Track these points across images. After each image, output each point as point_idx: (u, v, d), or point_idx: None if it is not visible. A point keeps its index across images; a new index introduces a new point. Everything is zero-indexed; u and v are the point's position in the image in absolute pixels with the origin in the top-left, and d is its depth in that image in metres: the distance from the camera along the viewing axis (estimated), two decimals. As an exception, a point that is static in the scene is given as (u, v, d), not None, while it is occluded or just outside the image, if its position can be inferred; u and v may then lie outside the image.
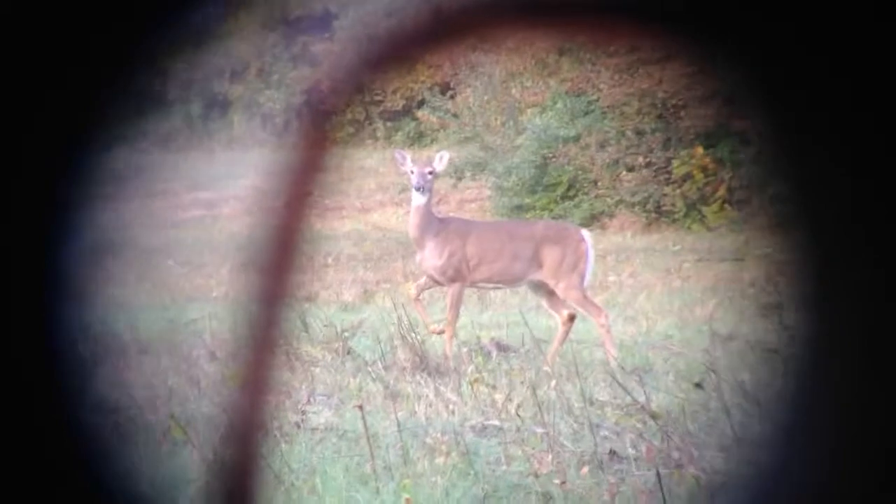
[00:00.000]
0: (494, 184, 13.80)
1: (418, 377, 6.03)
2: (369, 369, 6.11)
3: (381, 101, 17.61)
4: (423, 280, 7.11)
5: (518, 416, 5.05)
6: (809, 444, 2.05)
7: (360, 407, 4.67)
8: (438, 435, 4.83)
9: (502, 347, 6.79)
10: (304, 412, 5.25)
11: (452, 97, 15.65)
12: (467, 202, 14.32)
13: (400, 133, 17.72)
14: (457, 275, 6.95)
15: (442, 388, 5.73)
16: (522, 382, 5.71)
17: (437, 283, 7.09)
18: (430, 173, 7.01)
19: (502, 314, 8.01)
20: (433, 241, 6.96)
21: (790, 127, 2.05)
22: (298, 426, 5.05)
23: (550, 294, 6.96)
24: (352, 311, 8.20)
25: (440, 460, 4.55)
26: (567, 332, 6.80)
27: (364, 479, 4.34)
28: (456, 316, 6.90)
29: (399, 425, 4.81)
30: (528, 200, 13.25)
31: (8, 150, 2.13)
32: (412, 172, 7.00)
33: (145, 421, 5.01)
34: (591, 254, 7.03)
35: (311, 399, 5.53)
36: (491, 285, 7.20)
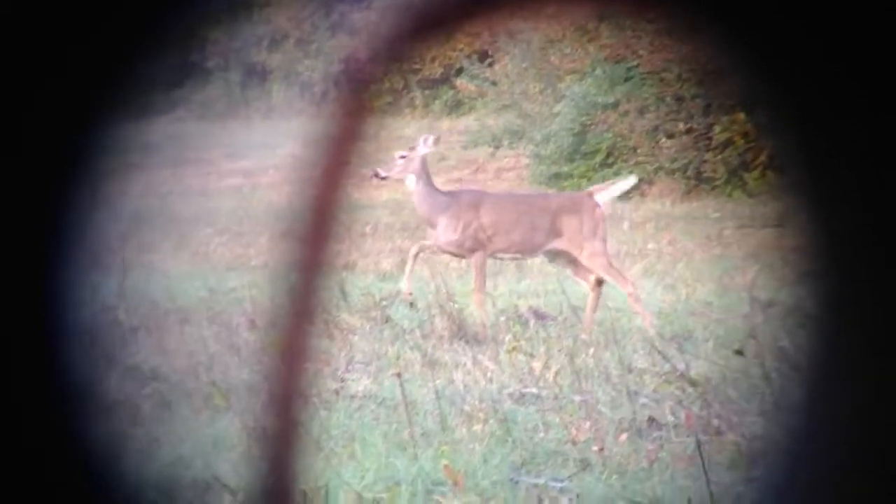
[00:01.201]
0: (532, 152, 13.72)
1: (456, 345, 6.04)
2: (407, 337, 6.13)
3: (419, 70, 17.54)
4: (428, 243, 7.11)
5: (556, 383, 5.05)
6: (846, 410, 2.02)
7: (399, 375, 4.69)
8: (476, 402, 4.84)
9: (540, 315, 6.77)
10: (342, 380, 5.29)
11: (490, 65, 15.55)
12: (505, 171, 14.26)
13: (438, 101, 17.65)
14: (476, 244, 6.93)
15: (480, 356, 5.73)
16: (560, 350, 5.70)
17: (458, 256, 7.11)
18: (402, 157, 7.05)
19: (540, 282, 7.99)
20: (445, 217, 6.97)
21: (799, 115, 2.03)
22: (337, 393, 5.09)
23: (574, 262, 6.93)
24: (389, 280, 8.21)
25: (478, 427, 4.56)
26: (598, 298, 6.76)
27: (402, 446, 4.36)
28: (483, 282, 6.90)
29: (437, 393, 4.83)
30: (566, 168, 13.16)
31: (37, 117, 2.14)
32: (401, 158, 7.08)
33: (186, 388, 5.07)
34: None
35: (350, 367, 5.56)
36: (509, 255, 7.18)
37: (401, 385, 4.59)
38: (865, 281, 2.01)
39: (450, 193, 7.24)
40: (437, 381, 5.06)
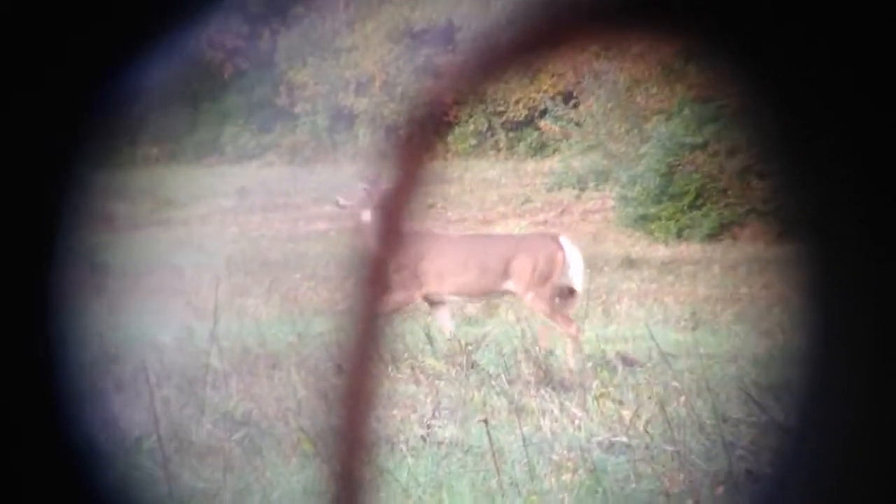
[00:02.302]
0: (619, 194, 13.60)
1: (543, 391, 5.97)
2: (493, 383, 6.08)
3: (503, 112, 17.59)
4: None
5: (647, 432, 4.94)
6: None
7: (486, 421, 4.65)
8: (564, 451, 4.77)
9: (628, 361, 6.67)
10: (429, 426, 5.26)
11: (575, 106, 15.51)
12: (591, 213, 14.17)
13: (522, 143, 17.67)
14: (411, 285, 7.01)
15: (567, 403, 5.65)
16: (650, 398, 5.58)
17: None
18: (365, 189, 7.25)
19: (628, 327, 7.88)
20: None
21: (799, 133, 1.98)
22: (424, 440, 5.07)
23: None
24: (475, 325, 8.18)
25: (567, 477, 4.49)
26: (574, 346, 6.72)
27: (490, 495, 4.32)
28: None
29: (524, 440, 4.77)
30: (653, 210, 13.02)
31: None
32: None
33: (276, 434, 5.10)
34: (576, 260, 6.94)
35: (436, 413, 5.53)
36: (459, 298, 7.20)
37: (487, 432, 4.55)
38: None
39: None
40: (524, 428, 5.00)
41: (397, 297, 6.99)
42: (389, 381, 5.92)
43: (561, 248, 6.97)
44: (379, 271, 2.06)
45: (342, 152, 17.42)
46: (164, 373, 5.75)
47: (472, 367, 6.47)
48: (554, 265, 6.89)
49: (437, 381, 6.18)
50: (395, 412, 5.42)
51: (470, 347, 6.70)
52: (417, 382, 6.07)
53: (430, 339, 6.72)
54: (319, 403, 5.50)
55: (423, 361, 6.38)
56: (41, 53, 1.94)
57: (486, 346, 6.91)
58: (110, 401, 5.35)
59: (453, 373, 6.38)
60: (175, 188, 10.91)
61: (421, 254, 7.07)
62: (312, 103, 17.16)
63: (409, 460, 4.78)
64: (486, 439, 4.57)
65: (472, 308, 9.05)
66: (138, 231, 10.58)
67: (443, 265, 7.03)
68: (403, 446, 4.94)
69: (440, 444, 5.05)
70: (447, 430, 5.28)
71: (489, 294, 7.10)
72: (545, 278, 6.88)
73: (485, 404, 5.73)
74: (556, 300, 6.93)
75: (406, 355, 6.45)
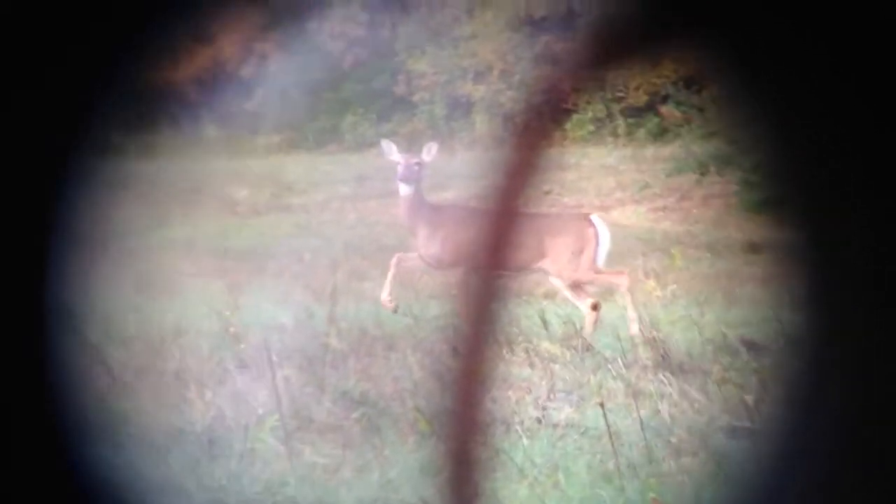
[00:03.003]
0: (741, 178, 13.28)
1: (661, 375, 5.89)
2: (609, 367, 6.03)
3: (622, 98, 17.35)
4: (410, 255, 7.22)
5: (771, 417, 4.81)
6: None
7: (602, 404, 4.63)
8: (684, 434, 4.70)
9: (751, 345, 6.51)
10: (544, 408, 5.26)
11: (698, 91, 15.20)
12: (712, 197, 13.88)
13: (642, 129, 17.41)
14: (456, 260, 7.00)
15: (686, 387, 5.56)
16: (775, 382, 5.44)
17: (436, 269, 7.23)
18: (417, 164, 7.21)
19: (751, 310, 7.70)
20: (426, 228, 7.08)
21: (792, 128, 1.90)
22: (539, 422, 5.07)
23: (575, 286, 7.01)
24: (592, 309, 8.11)
25: (687, 460, 4.43)
26: (594, 322, 6.79)
27: (608, 477, 4.29)
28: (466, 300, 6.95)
29: (642, 423, 4.72)
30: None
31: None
32: (399, 163, 7.23)
33: (393, 413, 5.18)
34: (605, 239, 6.99)
35: (552, 395, 5.52)
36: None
37: (604, 415, 4.52)
38: None
39: (436, 206, 7.36)
40: (642, 412, 4.95)
41: (458, 274, 7.12)
42: (504, 363, 5.93)
43: (592, 224, 7.01)
44: (492, 253, 2.07)
45: (459, 140, 17.51)
46: (285, 353, 5.88)
47: (588, 350, 6.43)
48: (586, 242, 6.93)
49: (552, 364, 6.16)
50: (509, 394, 5.43)
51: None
52: (532, 365, 6.06)
53: (544, 323, 6.70)
54: (435, 384, 5.55)
55: (538, 344, 6.37)
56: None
57: (602, 329, 6.86)
58: (235, 379, 5.51)
59: (568, 356, 6.35)
60: (295, 175, 11.15)
61: (460, 227, 7.16)
62: (430, 92, 17.27)
63: (525, 441, 4.78)
64: (602, 422, 4.54)
65: (588, 292, 8.98)
66: (260, 217, 10.85)
67: (479, 239, 7.10)
68: (519, 427, 4.95)
69: (555, 426, 5.05)
70: (562, 413, 5.27)
71: (522, 270, 7.16)
72: (579, 255, 6.92)
73: (601, 387, 5.69)
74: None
75: (521, 338, 6.44)
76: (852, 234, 1.86)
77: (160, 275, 8.19)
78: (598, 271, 6.99)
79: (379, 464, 4.74)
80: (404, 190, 7.29)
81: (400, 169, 7.30)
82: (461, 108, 18.11)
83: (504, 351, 6.12)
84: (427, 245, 7.22)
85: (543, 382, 5.72)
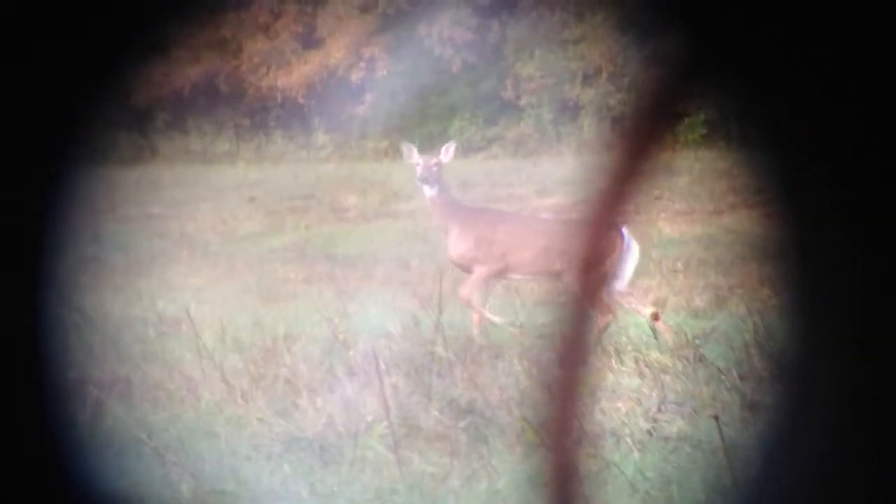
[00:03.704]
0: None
1: (779, 388, 5.70)
2: (723, 378, 5.87)
3: (734, 100, 16.96)
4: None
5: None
6: None
7: (716, 417, 4.50)
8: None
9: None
10: (655, 420, 5.15)
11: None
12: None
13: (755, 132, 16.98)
14: (486, 259, 7.02)
15: (804, 401, 5.37)
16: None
17: (464, 269, 7.17)
18: (436, 165, 7.25)
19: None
20: (458, 228, 7.12)
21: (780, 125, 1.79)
22: (650, 434, 4.96)
23: (631, 294, 6.84)
24: (703, 318, 7.93)
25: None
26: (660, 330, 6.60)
27: (724, 493, 4.17)
28: (481, 300, 7.04)
29: (759, 438, 4.57)
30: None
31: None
32: (418, 165, 7.28)
33: (500, 423, 5.14)
34: (634, 250, 6.82)
35: (662, 407, 5.40)
36: (519, 276, 7.18)
37: (718, 428, 4.40)
38: None
39: (469, 207, 7.51)
40: (759, 426, 4.79)
41: (481, 271, 7.13)
42: (613, 373, 5.83)
43: (621, 236, 6.84)
44: (592, 262, 2.02)
45: (566, 144, 17.37)
46: (393, 360, 5.91)
47: (700, 360, 6.27)
48: (609, 253, 6.78)
49: (662, 375, 6.03)
50: (619, 405, 5.34)
51: (697, 341, 6.50)
52: (642, 376, 5.95)
53: (654, 333, 6.57)
54: (542, 394, 5.49)
55: (647, 354, 6.25)
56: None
57: (715, 339, 6.68)
58: (344, 386, 5.56)
59: (680, 367, 6.21)
60: (402, 181, 11.21)
61: (495, 228, 7.21)
62: (538, 95, 17.19)
63: (636, 454, 4.69)
64: (716, 435, 4.42)
65: (700, 300, 8.79)
66: (368, 223, 10.95)
67: (510, 243, 7.16)
68: (629, 439, 4.86)
69: (667, 438, 4.94)
70: (674, 425, 5.15)
71: (544, 274, 7.09)
72: (599, 262, 6.76)
73: (714, 399, 5.54)
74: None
75: (630, 348, 6.33)
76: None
77: (273, 282, 8.33)
78: (594, 293, 6.81)
79: (486, 473, 4.71)
80: (427, 191, 7.37)
81: (419, 170, 7.37)
82: (569, 111, 17.97)
83: (613, 361, 6.02)
84: (456, 244, 7.29)
85: (654, 393, 5.61)
